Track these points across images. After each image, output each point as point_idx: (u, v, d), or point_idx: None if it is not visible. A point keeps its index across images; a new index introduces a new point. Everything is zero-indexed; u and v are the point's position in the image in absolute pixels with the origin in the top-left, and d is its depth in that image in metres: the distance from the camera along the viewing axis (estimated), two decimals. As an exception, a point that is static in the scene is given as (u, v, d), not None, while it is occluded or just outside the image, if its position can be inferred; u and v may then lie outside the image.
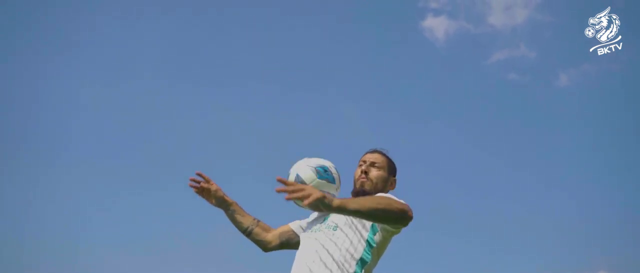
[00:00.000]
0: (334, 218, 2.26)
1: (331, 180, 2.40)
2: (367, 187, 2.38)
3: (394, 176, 2.50)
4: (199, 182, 2.65)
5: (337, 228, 2.20)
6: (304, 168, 2.40)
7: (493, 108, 8.96)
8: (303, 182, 2.35)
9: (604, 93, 8.43)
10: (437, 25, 8.76)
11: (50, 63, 8.29)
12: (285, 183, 1.82)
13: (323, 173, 2.40)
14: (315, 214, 2.44)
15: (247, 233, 2.56)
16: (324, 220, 2.32)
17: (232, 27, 8.83)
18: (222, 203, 2.62)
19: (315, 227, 2.31)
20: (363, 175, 2.40)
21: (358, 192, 2.38)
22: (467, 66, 9.01)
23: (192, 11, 8.88)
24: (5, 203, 7.62)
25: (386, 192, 2.41)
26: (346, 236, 2.18)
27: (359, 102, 8.92)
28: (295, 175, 2.39)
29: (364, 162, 2.46)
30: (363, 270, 2.15)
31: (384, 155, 2.50)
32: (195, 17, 8.84)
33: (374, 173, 2.41)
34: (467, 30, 8.80)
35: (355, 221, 2.18)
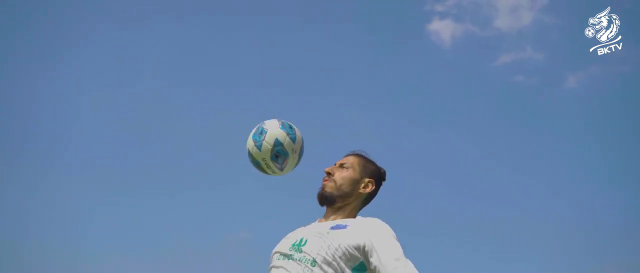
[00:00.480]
0: (311, 249, 1.94)
1: (292, 137, 2.25)
2: (327, 189, 2.14)
3: (371, 178, 2.19)
4: None
5: (316, 265, 1.90)
6: (271, 120, 2.30)
7: (500, 111, 8.92)
8: (263, 129, 2.26)
9: (612, 95, 8.38)
10: (443, 29, 8.75)
11: (51, 65, 8.30)
12: None
13: (288, 128, 2.27)
14: (289, 235, 2.12)
15: None
16: (297, 246, 1.98)
17: (234, 29, 8.83)
18: None
19: (286, 253, 2.00)
20: (325, 177, 2.18)
21: (320, 196, 2.16)
22: (473, 69, 8.98)
23: (193, 13, 8.89)
24: (7, 206, 7.63)
25: (356, 193, 2.15)
26: None
27: (363, 106, 8.89)
28: (260, 123, 2.30)
29: (335, 164, 2.24)
30: None
31: (358, 156, 2.24)
32: (195, 18, 8.85)
33: (338, 174, 2.16)
34: (473, 33, 8.77)
35: (337, 257, 1.91)
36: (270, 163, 2.26)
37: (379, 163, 2.33)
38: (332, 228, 2.00)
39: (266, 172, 2.30)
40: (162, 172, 8.24)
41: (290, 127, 2.29)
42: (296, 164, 2.33)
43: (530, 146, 8.69)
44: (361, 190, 2.16)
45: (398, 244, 1.94)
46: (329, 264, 1.90)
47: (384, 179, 2.25)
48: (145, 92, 8.63)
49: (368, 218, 2.07)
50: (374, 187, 2.19)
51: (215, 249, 7.53)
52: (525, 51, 8.76)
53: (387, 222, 2.05)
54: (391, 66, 8.99)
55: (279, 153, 2.24)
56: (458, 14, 8.85)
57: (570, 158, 8.52)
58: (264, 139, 2.24)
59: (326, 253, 1.91)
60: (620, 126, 8.26)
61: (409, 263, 1.88)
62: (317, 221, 2.16)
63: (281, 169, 2.29)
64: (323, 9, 9.01)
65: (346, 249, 1.91)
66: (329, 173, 2.18)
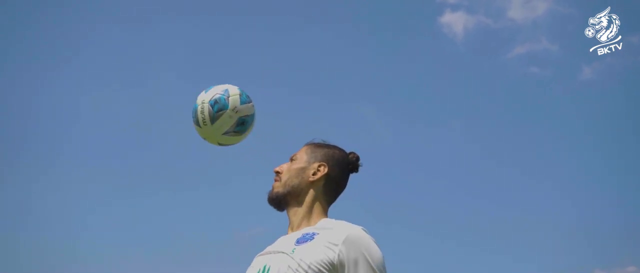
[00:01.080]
0: None
1: (243, 99, 2.13)
2: (274, 190, 1.89)
3: (323, 162, 1.89)
4: None
5: None
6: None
7: (514, 103, 8.77)
8: (225, 84, 2.15)
9: (629, 86, 8.23)
10: (455, 21, 8.67)
11: (51, 65, 8.30)
12: None
13: (245, 94, 2.15)
14: (255, 260, 1.83)
15: None
16: None
17: (235, 28, 8.80)
18: None
19: None
20: (275, 177, 1.92)
21: (269, 200, 1.90)
22: (487, 62, 8.87)
23: (193, 13, 8.88)
24: (7, 205, 7.63)
25: (306, 183, 1.87)
26: None
27: (374, 101, 8.83)
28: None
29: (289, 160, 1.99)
30: None
31: (308, 144, 1.96)
32: (196, 18, 8.84)
33: (285, 169, 1.90)
34: (487, 25, 8.66)
35: None
36: (205, 108, 2.09)
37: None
38: (298, 241, 1.70)
39: (197, 121, 2.12)
40: (163, 172, 8.25)
41: (248, 96, 2.17)
42: (230, 128, 2.11)
43: (544, 140, 8.56)
44: (311, 178, 1.85)
45: None
46: None
47: (350, 163, 1.93)
48: (145, 91, 8.64)
49: (344, 224, 1.73)
50: (327, 171, 1.86)
51: (221, 247, 7.53)
52: (539, 42, 8.64)
53: (372, 234, 1.71)
54: (403, 60, 8.91)
55: (219, 100, 2.10)
56: (470, 6, 8.78)
57: (582, 154, 8.41)
58: (216, 86, 2.15)
59: None
60: (633, 119, 8.13)
61: None
62: (285, 234, 1.86)
63: (212, 121, 2.09)
64: (332, 3, 8.94)
65: (317, 269, 1.60)
66: (278, 173, 1.91)
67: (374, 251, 1.64)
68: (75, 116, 8.45)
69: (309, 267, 1.59)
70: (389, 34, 8.88)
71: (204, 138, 2.17)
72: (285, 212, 1.88)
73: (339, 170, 1.90)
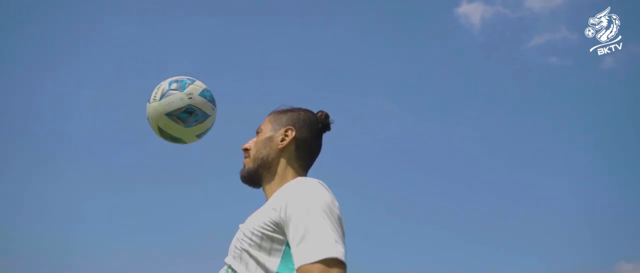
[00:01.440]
0: (227, 257, 1.62)
1: (205, 94, 2.00)
2: (245, 167, 1.79)
3: (288, 126, 1.78)
4: None
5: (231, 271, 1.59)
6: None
7: (533, 94, 8.63)
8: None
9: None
10: (472, 11, 8.52)
11: (51, 62, 8.30)
12: None
13: (209, 91, 2.03)
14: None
15: None
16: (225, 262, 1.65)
17: (239, 26, 8.75)
18: None
19: None
20: (245, 154, 1.82)
21: (242, 179, 1.80)
22: (505, 52, 8.71)
23: (195, 13, 8.86)
24: (5, 202, 7.63)
25: (276, 152, 1.74)
26: None
27: (391, 93, 8.71)
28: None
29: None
30: None
31: (274, 112, 1.84)
32: (198, 16, 8.82)
33: (252, 144, 1.80)
34: (504, 15, 8.48)
35: (246, 249, 1.54)
36: (163, 85, 1.99)
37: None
38: (253, 213, 1.65)
39: (149, 98, 2.00)
40: (163, 169, 8.23)
41: (212, 97, 2.04)
42: (176, 110, 1.97)
43: (566, 131, 8.40)
44: (280, 145, 1.74)
45: (323, 223, 1.42)
46: (240, 261, 1.53)
47: (320, 121, 1.81)
48: (146, 89, 8.60)
49: (297, 179, 1.64)
50: (295, 134, 1.76)
51: (224, 243, 7.50)
52: (559, 31, 8.44)
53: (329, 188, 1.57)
54: (420, 52, 8.76)
55: (178, 82, 1.99)
56: (487, -4, 8.62)
57: (607, 145, 8.24)
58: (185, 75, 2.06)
59: (234, 252, 1.56)
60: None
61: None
62: None
63: (162, 96, 1.97)
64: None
65: (260, 233, 1.51)
66: (246, 149, 1.81)
67: (310, 191, 1.51)
68: (75, 112, 8.44)
69: (252, 233, 1.53)
70: (405, 26, 8.75)
71: (147, 118, 2.02)
72: (261, 189, 1.78)
73: (309, 131, 1.78)
